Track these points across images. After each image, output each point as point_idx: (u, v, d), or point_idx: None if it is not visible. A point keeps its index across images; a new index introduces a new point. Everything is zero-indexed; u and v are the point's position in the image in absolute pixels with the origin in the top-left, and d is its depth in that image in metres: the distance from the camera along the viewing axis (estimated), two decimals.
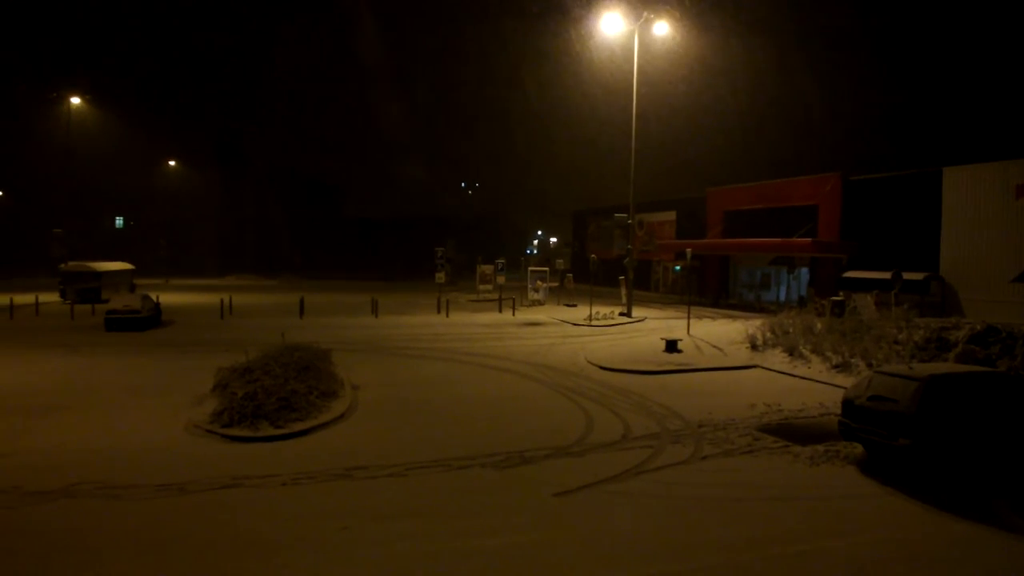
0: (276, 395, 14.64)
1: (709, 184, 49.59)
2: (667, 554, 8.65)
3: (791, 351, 22.03)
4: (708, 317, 34.69)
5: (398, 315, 35.72)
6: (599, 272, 41.97)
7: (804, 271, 40.54)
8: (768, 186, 43.72)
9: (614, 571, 8.20)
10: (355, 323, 32.35)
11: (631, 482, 11.24)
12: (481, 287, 46.17)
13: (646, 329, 30.84)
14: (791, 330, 23.45)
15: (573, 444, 13.30)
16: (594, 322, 32.90)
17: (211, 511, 10.03)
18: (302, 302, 35.61)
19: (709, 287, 46.00)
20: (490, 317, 35.80)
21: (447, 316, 35.42)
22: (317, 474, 11.51)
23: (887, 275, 26.10)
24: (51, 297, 40.01)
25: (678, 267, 50.45)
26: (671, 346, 23.78)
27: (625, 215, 36.73)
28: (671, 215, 53.86)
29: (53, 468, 11.69)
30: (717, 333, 27.57)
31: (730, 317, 34.18)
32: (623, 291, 37.66)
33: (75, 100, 51.41)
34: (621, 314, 35.26)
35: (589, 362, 22.32)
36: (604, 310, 35.62)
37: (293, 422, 14.17)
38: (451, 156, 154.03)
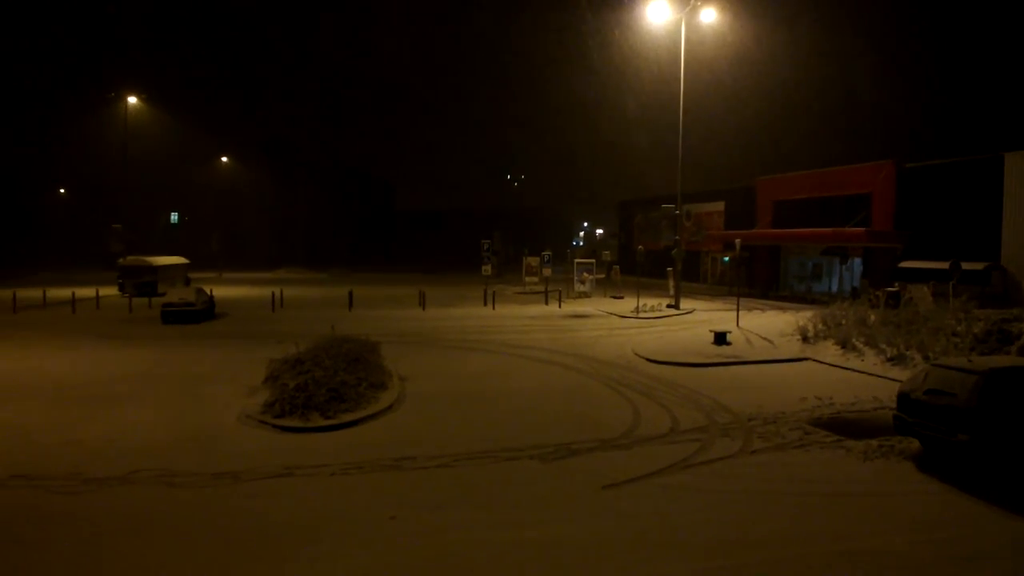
0: (326, 386, 14.90)
1: (758, 173, 48.73)
2: (716, 548, 8.57)
3: (844, 343, 21.54)
4: (758, 309, 34.12)
5: (445, 307, 35.97)
6: (646, 264, 41.64)
7: (857, 261, 39.53)
8: (820, 175, 42.72)
9: (664, 564, 8.16)
10: (403, 315, 32.69)
11: (679, 475, 11.15)
12: (527, 279, 46.18)
13: (694, 321, 30.49)
14: (844, 322, 22.93)
15: (621, 437, 13.25)
16: (641, 314, 32.65)
17: (264, 499, 10.28)
18: (351, 295, 36.13)
19: (759, 278, 45.22)
20: (536, 309, 35.81)
21: (493, 308, 35.55)
22: (366, 464, 11.69)
23: (944, 265, 25.26)
24: (111, 291, 41.33)
25: (727, 258, 49.67)
26: (720, 338, 23.47)
27: (672, 206, 36.33)
28: (719, 205, 53.05)
29: (113, 455, 12.12)
30: (767, 325, 27.11)
31: (780, 309, 33.57)
32: (671, 283, 37.28)
33: (132, 100, 52.82)
34: (669, 306, 34.92)
35: (636, 354, 22.17)
36: (651, 302, 35.32)
37: (343, 413, 14.41)
38: (498, 149, 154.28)
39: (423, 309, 34.84)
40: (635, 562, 8.22)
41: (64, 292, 38.11)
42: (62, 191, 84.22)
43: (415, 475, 11.27)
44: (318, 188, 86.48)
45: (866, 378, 18.65)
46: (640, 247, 41.25)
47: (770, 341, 23.96)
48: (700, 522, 9.36)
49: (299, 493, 10.55)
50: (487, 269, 42.57)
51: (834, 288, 40.72)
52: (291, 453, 12.34)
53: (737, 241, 30.77)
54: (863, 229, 36.34)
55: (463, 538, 8.83)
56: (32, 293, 38.68)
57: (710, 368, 20.22)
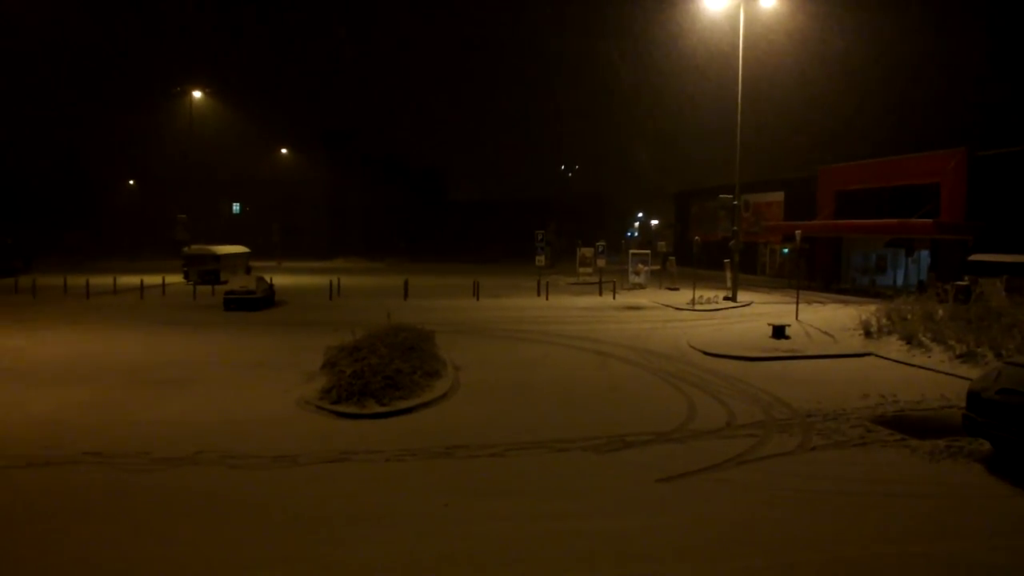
0: (382, 374, 15.10)
1: (819, 162, 47.38)
2: (772, 547, 8.40)
3: (909, 339, 20.84)
4: (818, 302, 33.29)
5: (499, 298, 36.08)
6: (703, 255, 40.92)
7: (924, 254, 38.20)
8: (885, 163, 41.33)
9: (717, 561, 8.04)
10: (457, 305, 32.91)
11: (735, 471, 10.96)
12: (581, 270, 45.97)
13: (752, 314, 29.91)
14: (909, 316, 22.18)
15: (675, 430, 13.09)
16: (697, 306, 32.19)
17: (321, 483, 10.49)
18: (406, 284, 36.54)
19: (819, 271, 44.07)
20: (590, 300, 35.64)
21: (547, 299, 35.51)
22: (420, 451, 11.82)
23: (1020, 259, 24.20)
24: (176, 278, 42.69)
25: (786, 250, 48.57)
26: (778, 332, 22.97)
27: (730, 196, 35.61)
28: (779, 196, 51.88)
29: (179, 436, 12.53)
30: (828, 319, 26.43)
31: (842, 302, 32.68)
32: (728, 274, 36.62)
33: (196, 94, 54.34)
34: (726, 298, 34.34)
35: (692, 347, 21.87)
36: (708, 294, 34.77)
37: (397, 400, 14.59)
38: (552, 138, 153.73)
39: (477, 299, 35.01)
40: (689, 558, 8.11)
41: (133, 279, 39.54)
42: (131, 183, 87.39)
43: (467, 463, 11.35)
44: (374, 178, 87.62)
45: (933, 375, 18.01)
46: (697, 238, 40.66)
47: (831, 335, 23.35)
48: (757, 519, 9.19)
49: (354, 478, 10.73)
50: (541, 260, 42.51)
51: (899, 281, 39.45)
52: (347, 439, 12.56)
53: (797, 232, 30.02)
54: (931, 220, 35.04)
55: (515, 528, 8.86)
56: (103, 280, 40.21)
57: (768, 362, 19.81)
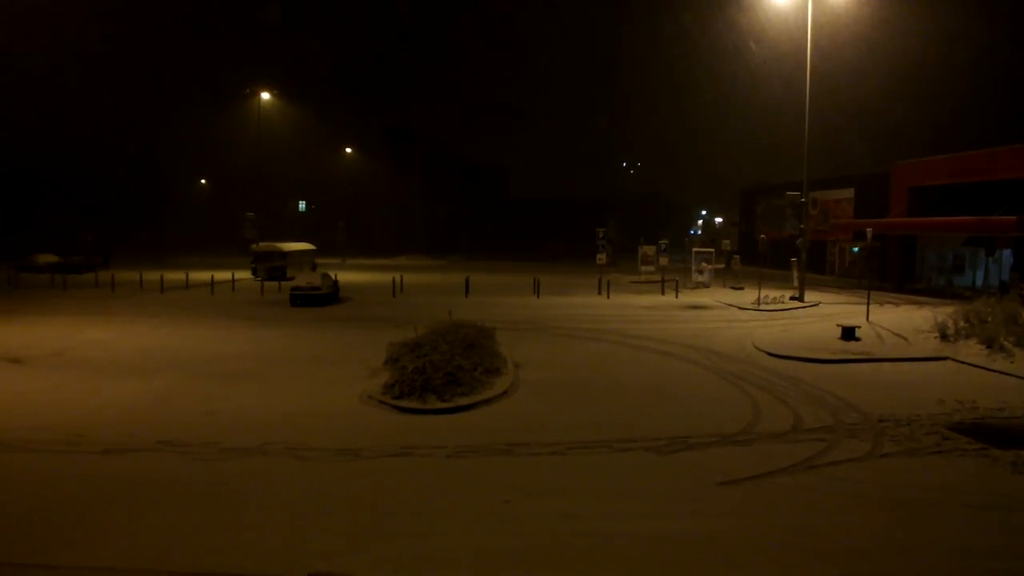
0: (443, 370, 15.21)
1: (890, 159, 45.70)
2: (843, 556, 8.13)
3: (989, 343, 19.90)
4: (890, 303, 32.12)
5: (559, 296, 35.98)
6: (768, 253, 40.02)
7: (1006, 253, 36.46)
8: (964, 158, 39.56)
9: (787, 569, 7.82)
10: (518, 303, 32.96)
11: (802, 476, 10.65)
12: (643, 268, 45.52)
13: (820, 315, 29.06)
14: (990, 319, 21.17)
15: (739, 432, 12.81)
16: (763, 306, 31.47)
17: (384, 476, 10.64)
18: (467, 281, 36.79)
19: (891, 270, 42.52)
20: (652, 299, 35.23)
21: (608, 297, 35.24)
22: (480, 448, 11.86)
23: None
24: (244, 274, 43.99)
25: (856, 248, 47.05)
26: (848, 333, 22.25)
27: (798, 192, 34.67)
28: (848, 192, 50.24)
29: (247, 427, 12.90)
30: (900, 320, 25.47)
31: (916, 303, 31.45)
32: (795, 274, 35.67)
33: (265, 95, 55.84)
34: (792, 298, 33.47)
35: (757, 348, 21.37)
36: (774, 294, 33.94)
37: (459, 397, 14.68)
38: (612, 135, 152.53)
39: (537, 297, 34.98)
40: (753, 564, 7.92)
41: (204, 275, 40.95)
42: (203, 182, 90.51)
43: (528, 461, 11.34)
44: (437, 177, 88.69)
45: (1016, 381, 17.15)
46: (762, 236, 39.79)
47: (904, 338, 22.50)
48: (826, 526, 8.92)
49: (416, 472, 10.85)
50: (602, 258, 42.26)
51: (979, 282, 37.77)
52: (409, 433, 12.70)
53: (868, 230, 29.01)
54: (1014, 218, 33.40)
55: (575, 527, 8.80)
56: (176, 275, 41.73)
57: (837, 365, 19.20)
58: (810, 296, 33.99)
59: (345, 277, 41.77)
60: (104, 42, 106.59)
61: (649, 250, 45.79)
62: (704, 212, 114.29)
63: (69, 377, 17.07)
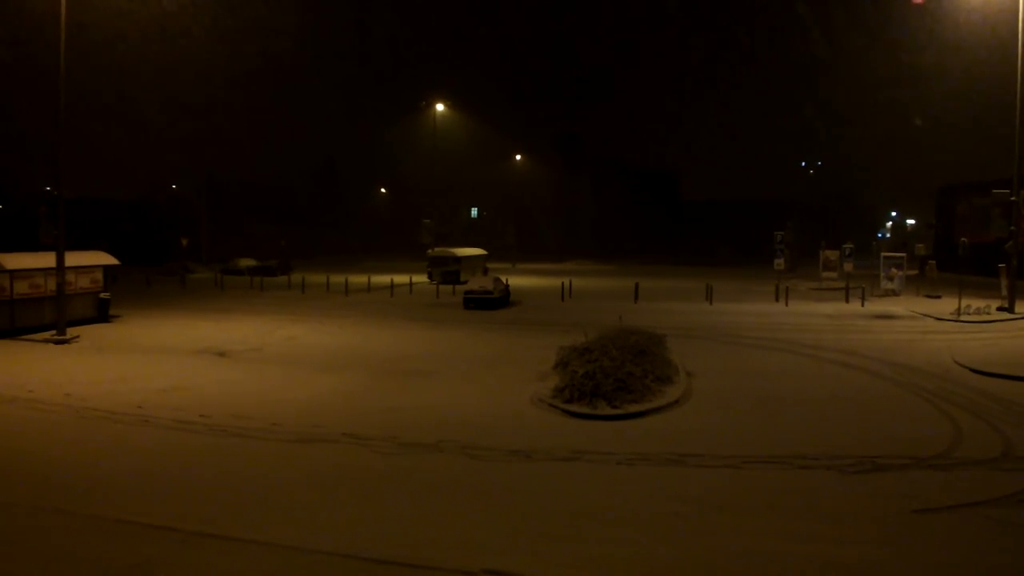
0: (613, 376, 15.13)
1: None
2: None
3: None
4: None
5: (733, 302, 34.73)
6: (970, 259, 36.50)
7: None
8: None
9: None
10: (689, 309, 32.19)
11: (1012, 510, 9.53)
12: (824, 274, 43.00)
13: None
14: None
15: (937, 456, 11.70)
16: (963, 317, 28.61)
17: (553, 479, 10.76)
18: (636, 287, 36.43)
19: None
20: (835, 307, 33.10)
21: (786, 305, 33.54)
22: (651, 456, 11.68)
23: None
24: (421, 278, 46.32)
25: None
26: None
27: (1007, 190, 31.18)
28: None
29: (423, 424, 13.55)
30: None
31: None
32: (1003, 281, 32.09)
33: (440, 107, 58.46)
34: (1000, 308, 30.14)
35: (957, 363, 19.43)
36: (977, 303, 30.74)
37: (628, 403, 14.55)
38: (791, 134, 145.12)
39: (710, 303, 33.96)
40: None
41: (384, 279, 43.55)
42: (383, 190, 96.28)
43: (700, 473, 11.02)
44: (605, 181, 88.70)
45: None
46: (963, 239, 36.22)
47: None
48: None
49: (586, 477, 10.87)
50: (779, 263, 40.38)
51: None
52: (578, 438, 12.75)
53: None
54: None
55: (750, 545, 8.43)
56: (359, 279, 44.78)
57: None
58: (1021, 307, 30.44)
59: (515, 281, 42.78)
60: (290, 59, 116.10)
61: (831, 255, 43.20)
62: (894, 214, 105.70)
63: (267, 371, 18.80)
